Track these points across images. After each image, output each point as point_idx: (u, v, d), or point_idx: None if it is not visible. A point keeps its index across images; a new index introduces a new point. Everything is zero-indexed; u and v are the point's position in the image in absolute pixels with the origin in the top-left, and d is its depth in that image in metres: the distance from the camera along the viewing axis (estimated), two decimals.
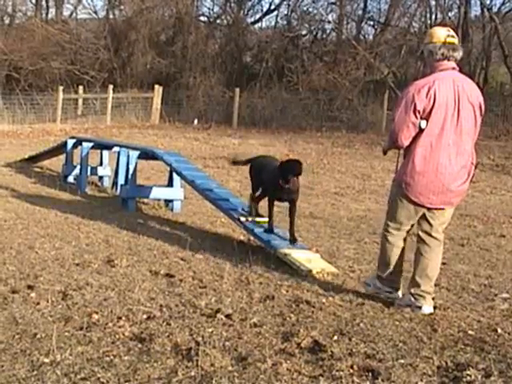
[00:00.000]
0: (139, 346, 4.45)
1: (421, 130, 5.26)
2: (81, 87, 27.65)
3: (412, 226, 5.57)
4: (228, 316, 5.06)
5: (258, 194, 7.85)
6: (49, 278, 5.92)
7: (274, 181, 7.20)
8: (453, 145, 5.29)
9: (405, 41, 29.10)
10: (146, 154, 10.45)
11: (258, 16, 34.19)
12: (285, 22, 32.45)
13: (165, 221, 8.96)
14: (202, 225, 8.73)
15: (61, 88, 25.81)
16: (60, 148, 13.24)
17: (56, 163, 13.71)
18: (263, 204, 7.80)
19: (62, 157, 12.79)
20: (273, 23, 34.45)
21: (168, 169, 10.19)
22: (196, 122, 24.89)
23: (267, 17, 34.53)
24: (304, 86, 27.18)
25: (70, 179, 12.22)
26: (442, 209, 5.45)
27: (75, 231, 7.94)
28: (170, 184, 10.00)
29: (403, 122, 5.25)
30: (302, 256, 6.77)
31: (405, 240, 5.62)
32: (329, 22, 31.19)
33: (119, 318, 4.94)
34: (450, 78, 5.29)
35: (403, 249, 5.62)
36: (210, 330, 4.77)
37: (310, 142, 19.77)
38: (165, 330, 4.74)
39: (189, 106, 27.08)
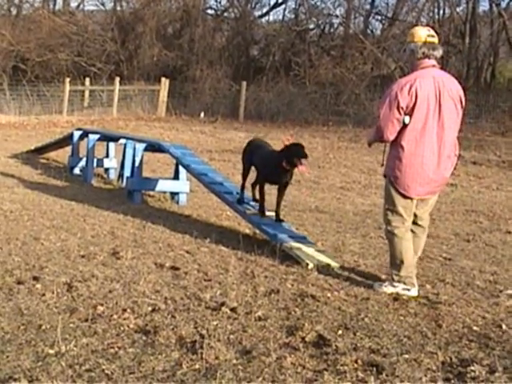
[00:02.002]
0: (144, 338, 4.46)
1: (405, 125, 5.59)
2: (87, 79, 27.67)
3: (411, 217, 5.80)
4: (233, 309, 5.06)
5: (254, 179, 8.01)
6: (54, 269, 5.94)
7: (275, 164, 7.34)
8: (436, 138, 5.61)
9: None
10: (152, 147, 10.46)
11: (265, 9, 34.29)
12: (292, 16, 32.47)
13: (170, 213, 8.97)
14: (207, 218, 8.73)
15: (67, 80, 25.83)
16: (66, 140, 13.26)
17: (62, 155, 13.74)
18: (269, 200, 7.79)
19: (68, 148, 12.82)
20: (280, 17, 34.64)
21: (174, 161, 10.20)
22: (202, 115, 24.87)
23: (275, 10, 34.71)
24: (311, 80, 27.14)
25: (76, 171, 12.24)
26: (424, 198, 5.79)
27: (81, 223, 7.95)
28: (176, 177, 10.00)
29: (388, 118, 5.58)
30: (307, 250, 6.77)
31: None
32: (336, 16, 31.15)
33: (124, 310, 4.95)
34: (431, 75, 5.61)
35: (411, 244, 5.77)
36: (215, 323, 4.77)
37: (316, 136, 19.73)
38: (169, 323, 4.74)
39: (195, 98, 27.06)
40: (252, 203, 8.07)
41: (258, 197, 7.84)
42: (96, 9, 35.87)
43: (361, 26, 30.80)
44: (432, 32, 5.76)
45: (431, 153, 5.60)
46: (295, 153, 7.24)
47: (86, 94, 27.12)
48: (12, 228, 7.47)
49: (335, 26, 31.86)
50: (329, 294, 5.58)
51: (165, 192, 10.11)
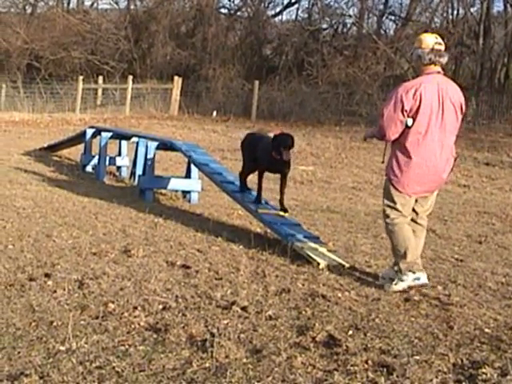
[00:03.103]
0: (154, 336, 4.46)
1: (408, 127, 5.78)
2: (100, 77, 27.74)
3: (410, 214, 5.98)
4: (243, 308, 5.06)
5: (248, 167, 8.34)
6: (66, 266, 5.95)
7: (267, 153, 7.72)
8: (438, 141, 5.82)
9: None
10: (165, 145, 10.47)
11: (278, 9, 34.23)
12: (305, 16, 32.42)
13: (182, 212, 8.97)
14: (218, 217, 8.73)
15: (81, 78, 25.94)
16: (79, 137, 13.29)
17: (75, 152, 13.77)
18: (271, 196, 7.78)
19: (81, 146, 12.85)
20: (293, 16, 34.48)
21: (186, 160, 10.20)
22: (215, 113, 24.89)
23: (288, 10, 34.56)
24: (323, 79, 27.09)
25: (89, 169, 12.27)
26: (425, 196, 6.01)
27: (93, 220, 7.97)
28: (188, 175, 10.01)
29: (391, 119, 5.78)
30: (318, 250, 6.76)
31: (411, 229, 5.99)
32: (350, 16, 31.06)
33: (135, 307, 4.96)
34: (435, 81, 5.83)
35: (411, 233, 5.93)
36: (226, 321, 4.77)
37: (328, 135, 19.71)
38: (180, 321, 4.74)
39: (208, 97, 27.08)
40: (253, 193, 8.27)
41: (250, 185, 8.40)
42: (110, 7, 36.10)
43: (374, 26, 30.74)
44: (439, 40, 5.95)
45: (432, 155, 5.81)
46: (281, 142, 7.61)
47: (99, 92, 27.19)
48: (24, 225, 7.49)
49: (348, 25, 31.84)
50: (339, 294, 5.57)
51: (177, 190, 10.12)
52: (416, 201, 5.99)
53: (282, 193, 7.92)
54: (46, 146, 14.80)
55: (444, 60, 5.90)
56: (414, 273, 5.79)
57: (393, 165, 5.91)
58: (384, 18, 30.92)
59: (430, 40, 5.91)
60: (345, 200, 10.70)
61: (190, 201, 9.75)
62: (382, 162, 6.31)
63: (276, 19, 34.58)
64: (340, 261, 6.55)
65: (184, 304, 5.13)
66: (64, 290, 5.27)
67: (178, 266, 6.22)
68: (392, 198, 5.92)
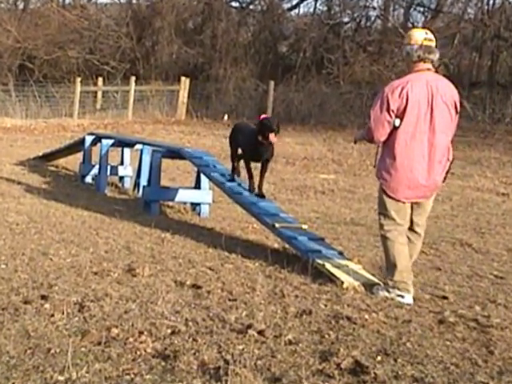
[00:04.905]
0: (162, 363, 4.46)
1: (396, 128, 6.04)
2: (100, 79, 27.89)
3: (407, 222, 6.24)
4: (260, 332, 5.05)
5: (234, 155, 9.27)
6: (64, 287, 5.96)
7: (252, 140, 8.50)
8: (427, 142, 6.05)
9: (458, 29, 28.88)
10: (171, 153, 10.50)
11: (295, 1, 34.24)
12: (325, 8, 32.49)
13: (191, 226, 8.99)
14: (232, 231, 8.74)
15: (78, 79, 26.07)
16: (77, 145, 13.35)
17: (73, 162, 13.83)
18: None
19: (80, 155, 12.89)
20: (311, 9, 34.47)
21: (195, 169, 10.22)
22: (226, 117, 24.95)
23: (305, 2, 34.68)
24: (345, 78, 27.14)
25: (88, 179, 12.32)
26: (417, 203, 6.23)
27: (93, 236, 8.00)
28: (198, 186, 10.03)
29: (378, 120, 6.06)
30: (342, 267, 6.75)
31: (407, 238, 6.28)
32: (374, 8, 31.11)
33: (141, 332, 4.96)
34: (424, 79, 6.07)
35: (406, 248, 6.19)
36: (241, 347, 4.77)
37: (351, 140, 19.67)
38: (191, 347, 4.74)
39: (218, 100, 27.16)
40: (237, 180, 9.11)
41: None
42: (109, 1, 36.16)
43: (400, 19, 30.75)
44: (430, 35, 6.19)
45: (421, 157, 6.04)
46: (266, 126, 8.32)
47: (99, 95, 27.33)
48: (18, 242, 7.52)
49: (372, 18, 31.91)
50: (366, 316, 5.56)
51: (185, 203, 10.14)
52: (411, 208, 6.21)
53: (261, 177, 8.70)
54: (41, 154, 14.86)
55: (434, 57, 6.16)
56: (399, 290, 6.08)
57: (382, 168, 6.20)
58: (412, 9, 30.95)
59: (418, 36, 6.17)
60: (370, 211, 10.67)
61: (199, 214, 9.76)
62: (374, 167, 6.51)
63: (292, 13, 34.76)
64: (368, 278, 6.54)
65: (195, 328, 5.13)
66: (62, 313, 5.28)
67: (188, 285, 6.22)
68: (384, 204, 6.19)
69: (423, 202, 6.27)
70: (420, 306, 5.93)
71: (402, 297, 6.04)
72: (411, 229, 6.28)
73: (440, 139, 6.09)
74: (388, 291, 6.11)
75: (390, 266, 6.17)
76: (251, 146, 8.61)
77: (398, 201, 6.13)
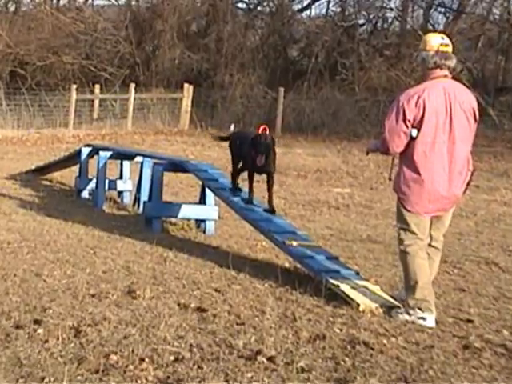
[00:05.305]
0: None
1: (413, 139, 6.10)
2: (97, 86, 27.99)
3: (427, 237, 6.29)
4: (270, 359, 5.05)
5: (239, 167, 9.32)
6: (59, 311, 5.97)
7: (250, 151, 8.58)
8: (446, 153, 6.10)
9: (482, 31, 28.92)
10: (174, 166, 10.52)
11: (306, 2, 34.30)
12: (338, 10, 32.50)
13: (195, 244, 9.00)
14: (239, 249, 8.74)
15: (74, 87, 26.14)
16: (73, 158, 13.39)
17: (68, 175, 13.86)
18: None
19: (75, 168, 12.93)
20: (324, 11, 34.50)
21: (200, 183, 10.23)
22: (233, 127, 24.74)
23: (317, 3, 34.67)
24: (361, 85, 27.14)
25: (85, 194, 12.35)
26: (436, 216, 6.29)
27: (90, 256, 8.01)
28: (202, 201, 10.04)
29: (394, 131, 6.11)
30: (358, 288, 6.74)
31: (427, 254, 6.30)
32: (391, 9, 31.14)
33: (142, 359, 4.96)
34: (441, 86, 6.13)
35: (427, 263, 6.22)
36: (250, 375, 4.77)
37: None
38: (195, 375, 4.74)
39: (224, 108, 27.19)
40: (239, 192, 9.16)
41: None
42: (107, 3, 36.33)
43: (420, 21, 30.75)
44: (446, 40, 6.27)
45: (441, 168, 6.09)
46: (255, 146, 8.48)
47: (96, 103, 27.41)
48: (9, 262, 7.54)
49: (389, 20, 31.90)
50: (385, 341, 5.55)
51: (189, 219, 10.14)
52: (430, 222, 6.27)
53: (269, 192, 8.75)
54: (34, 168, 14.91)
55: (452, 63, 6.22)
56: (421, 311, 6.05)
57: (400, 181, 6.23)
58: (432, 10, 30.95)
59: (434, 41, 6.25)
60: (388, 228, 10.66)
61: (204, 231, 9.77)
62: (390, 179, 6.62)
63: (303, 14, 34.79)
64: (386, 300, 6.53)
65: (200, 354, 5.13)
66: (57, 339, 5.28)
67: (192, 308, 6.22)
68: (404, 218, 6.22)
69: (442, 216, 6.33)
70: (443, 330, 5.92)
71: (424, 319, 6.02)
72: (429, 244, 6.33)
73: (460, 149, 6.13)
74: (408, 314, 6.10)
75: (411, 284, 6.16)
76: (250, 158, 8.68)
77: (419, 214, 6.17)
